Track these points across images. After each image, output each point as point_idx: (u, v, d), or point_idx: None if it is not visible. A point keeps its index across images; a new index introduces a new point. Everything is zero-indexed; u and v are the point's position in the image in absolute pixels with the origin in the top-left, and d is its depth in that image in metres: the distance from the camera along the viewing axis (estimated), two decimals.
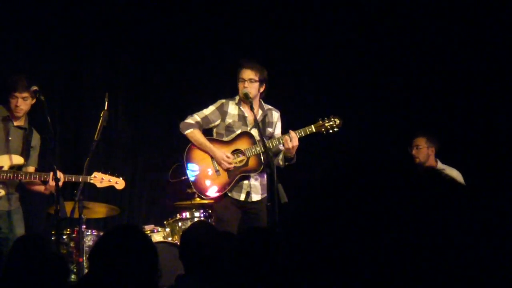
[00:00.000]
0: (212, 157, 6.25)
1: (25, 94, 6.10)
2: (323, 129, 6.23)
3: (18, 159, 6.25)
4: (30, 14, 7.89)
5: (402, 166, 1.48)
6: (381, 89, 8.37)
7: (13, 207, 6.25)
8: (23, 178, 6.20)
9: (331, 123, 6.24)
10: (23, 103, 6.14)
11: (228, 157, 6.18)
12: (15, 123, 6.27)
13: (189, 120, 6.30)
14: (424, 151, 7.18)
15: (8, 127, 6.24)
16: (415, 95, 8.31)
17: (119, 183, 6.48)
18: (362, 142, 8.14)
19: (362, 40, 8.43)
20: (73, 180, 6.16)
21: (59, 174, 5.88)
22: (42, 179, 6.12)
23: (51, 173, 5.93)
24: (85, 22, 8.26)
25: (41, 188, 6.29)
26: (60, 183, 5.87)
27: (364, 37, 8.43)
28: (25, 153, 6.30)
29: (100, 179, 6.34)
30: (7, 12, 7.72)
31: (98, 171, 6.35)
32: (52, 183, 5.95)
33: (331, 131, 6.24)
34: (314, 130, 6.21)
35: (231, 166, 6.17)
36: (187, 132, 6.27)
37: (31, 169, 6.35)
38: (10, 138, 6.24)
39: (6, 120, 6.24)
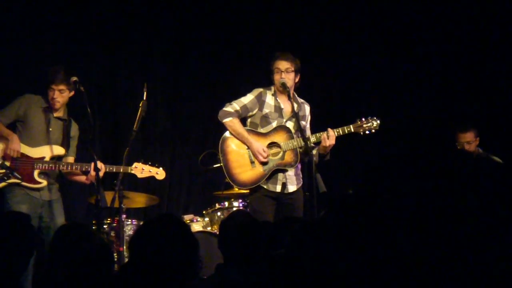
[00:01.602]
0: (248, 148, 6.25)
1: (62, 87, 6.16)
2: (361, 130, 6.23)
3: (59, 150, 6.32)
4: (67, 7, 7.96)
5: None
6: (417, 86, 8.32)
7: (54, 197, 6.32)
8: (65, 168, 6.25)
9: (369, 124, 6.23)
10: (59, 95, 6.19)
11: (264, 150, 6.17)
12: (55, 114, 6.34)
13: (228, 108, 6.28)
14: (473, 145, 7.21)
15: (48, 118, 6.31)
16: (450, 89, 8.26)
17: (160, 174, 6.49)
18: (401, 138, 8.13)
19: (398, 35, 8.37)
20: (114, 170, 6.21)
21: (100, 165, 5.92)
22: (84, 169, 6.18)
23: (92, 164, 5.99)
24: (122, 13, 8.31)
25: (81, 178, 6.35)
26: (101, 174, 5.93)
27: (400, 32, 8.37)
28: (65, 144, 6.36)
29: (140, 170, 6.37)
30: (45, 4, 7.80)
31: (139, 161, 6.38)
32: (93, 173, 6.01)
33: (368, 132, 6.24)
34: (352, 130, 6.21)
35: (266, 160, 6.17)
36: (226, 120, 6.26)
37: (70, 159, 6.41)
38: (50, 129, 6.30)
39: (46, 111, 6.30)
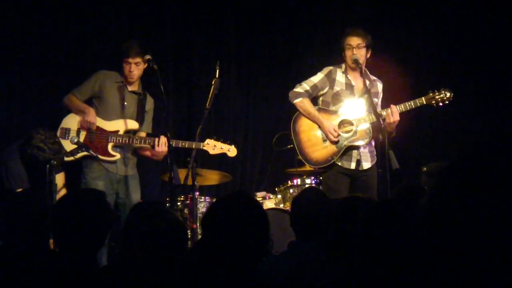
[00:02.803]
0: (320, 126, 6.23)
1: (138, 60, 6.24)
2: (433, 102, 6.14)
3: (133, 124, 6.40)
4: None
5: None
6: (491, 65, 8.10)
7: (130, 173, 6.43)
8: (138, 143, 6.33)
9: (441, 95, 6.14)
10: (136, 68, 6.27)
11: (335, 130, 6.15)
12: (130, 89, 6.42)
13: (298, 89, 6.29)
14: None
15: (123, 92, 6.40)
16: None
17: (231, 151, 6.50)
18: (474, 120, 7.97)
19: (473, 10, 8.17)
20: (186, 146, 6.25)
21: (170, 141, 5.97)
22: (154, 144, 6.22)
23: (159, 138, 6.07)
24: None
25: (151, 153, 6.42)
26: (166, 148, 5.94)
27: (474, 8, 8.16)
28: (140, 118, 6.45)
29: (212, 146, 6.39)
30: None
31: (211, 138, 6.42)
32: (159, 148, 6.08)
33: (441, 104, 6.15)
34: (424, 103, 6.13)
35: (337, 139, 6.14)
36: (296, 101, 6.27)
37: (142, 134, 6.49)
38: (125, 103, 6.40)
39: (121, 86, 6.40)
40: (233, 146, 6.52)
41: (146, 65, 6.24)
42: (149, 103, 6.56)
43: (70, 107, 6.34)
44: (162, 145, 6.09)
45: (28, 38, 7.33)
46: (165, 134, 5.96)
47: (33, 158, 5.84)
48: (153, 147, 6.23)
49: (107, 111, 6.35)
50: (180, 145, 6.23)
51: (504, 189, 1.46)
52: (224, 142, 6.47)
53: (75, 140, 6.01)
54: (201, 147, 6.31)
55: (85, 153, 6.11)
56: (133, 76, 6.32)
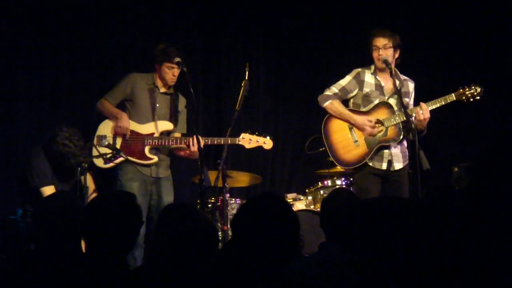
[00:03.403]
0: (351, 128, 6.23)
1: (175, 64, 6.23)
2: (463, 98, 6.08)
3: (167, 125, 6.41)
4: None
5: None
6: None
7: (163, 175, 6.43)
8: (174, 143, 6.32)
9: (471, 91, 6.07)
10: (177, 72, 6.29)
11: (370, 120, 6.13)
12: (161, 90, 6.44)
13: (327, 92, 6.30)
14: None
15: (154, 95, 6.41)
16: None
17: (267, 143, 6.44)
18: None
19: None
20: (222, 142, 6.23)
21: (201, 141, 5.95)
22: (189, 143, 6.19)
23: (193, 138, 6.05)
24: None
25: (187, 153, 6.41)
26: (202, 143, 5.96)
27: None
28: (173, 119, 6.46)
29: (248, 140, 6.35)
30: None
31: (246, 132, 6.38)
32: (193, 148, 6.09)
33: (472, 99, 6.09)
34: (454, 99, 6.09)
35: (375, 130, 6.12)
36: (326, 104, 6.27)
37: (177, 135, 6.48)
38: (157, 105, 6.40)
39: (152, 88, 6.42)
40: (268, 137, 6.45)
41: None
42: (182, 103, 6.55)
43: (104, 112, 6.37)
44: (196, 144, 6.09)
45: (59, 40, 7.42)
46: (195, 134, 5.96)
47: (58, 154, 5.90)
48: (188, 146, 6.21)
49: (140, 114, 6.36)
50: (216, 142, 6.24)
51: None
52: (259, 134, 6.42)
53: (106, 143, 6.06)
54: (237, 142, 6.30)
55: (122, 158, 6.12)
56: (175, 79, 6.35)
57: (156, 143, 6.31)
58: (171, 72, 6.30)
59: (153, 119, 6.39)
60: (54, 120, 6.86)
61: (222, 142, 6.23)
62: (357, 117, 6.21)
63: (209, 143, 6.15)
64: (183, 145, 6.30)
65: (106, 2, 7.65)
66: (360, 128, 6.19)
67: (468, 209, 2.96)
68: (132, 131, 6.28)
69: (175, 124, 6.47)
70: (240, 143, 6.32)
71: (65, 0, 7.44)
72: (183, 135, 6.52)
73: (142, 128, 6.33)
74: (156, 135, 6.35)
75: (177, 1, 8.14)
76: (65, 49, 7.44)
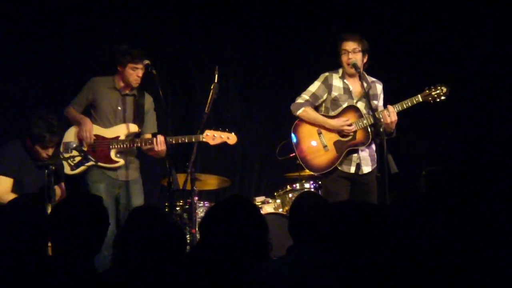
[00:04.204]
0: (319, 133, 6.26)
1: (142, 65, 6.22)
2: (430, 98, 6.15)
3: (132, 128, 6.38)
4: None
5: None
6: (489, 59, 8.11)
7: (132, 177, 6.41)
8: (140, 145, 6.32)
9: (438, 91, 6.15)
10: (141, 73, 6.27)
11: (344, 121, 6.16)
12: (123, 92, 6.41)
13: (299, 100, 6.34)
14: None
15: (117, 97, 6.40)
16: None
17: (231, 138, 6.42)
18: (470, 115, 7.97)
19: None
20: (186, 140, 6.23)
21: (167, 139, 5.97)
22: (153, 143, 6.17)
23: (157, 138, 6.05)
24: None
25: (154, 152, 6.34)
26: (163, 147, 5.96)
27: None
28: (138, 120, 6.43)
29: (212, 136, 6.32)
30: None
31: (209, 129, 6.35)
32: (157, 147, 6.06)
33: (438, 99, 6.16)
34: (421, 100, 6.15)
35: (353, 127, 6.12)
36: (300, 112, 6.30)
37: (148, 135, 6.44)
38: (119, 108, 6.38)
39: (114, 91, 6.39)
40: (232, 133, 6.44)
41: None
42: (148, 102, 6.52)
43: (69, 119, 6.34)
44: (160, 143, 6.06)
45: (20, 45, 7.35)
46: (164, 133, 5.98)
47: (41, 137, 5.71)
48: (153, 145, 6.20)
49: (103, 118, 6.34)
50: (180, 141, 6.22)
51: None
52: (223, 130, 6.39)
53: (73, 146, 5.99)
54: (201, 139, 6.27)
55: (92, 162, 6.04)
56: (139, 80, 6.32)
57: (122, 146, 6.28)
58: (136, 73, 6.27)
59: (119, 122, 6.37)
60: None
61: (186, 140, 6.23)
62: (331, 121, 6.23)
63: (174, 142, 6.13)
64: (149, 146, 6.28)
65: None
66: (338, 130, 6.21)
67: (435, 211, 3.00)
68: (97, 136, 6.26)
69: (141, 126, 6.44)
70: (205, 140, 6.30)
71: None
72: (153, 134, 6.49)
73: (107, 132, 6.30)
74: (122, 138, 6.31)
75: (149, 5, 8.13)
76: (30, 54, 7.38)
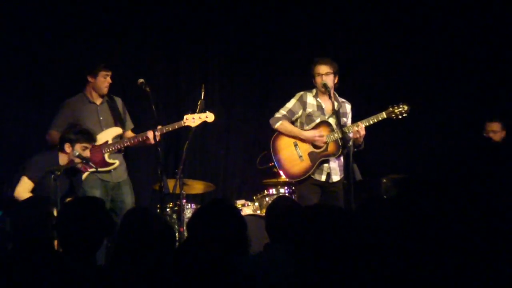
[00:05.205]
0: (295, 145, 6.36)
1: (111, 72, 6.30)
2: (393, 115, 6.26)
3: (116, 130, 6.44)
4: (132, 13, 8.08)
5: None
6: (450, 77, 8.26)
7: (122, 178, 6.47)
8: (129, 143, 6.34)
9: (400, 109, 6.26)
10: (110, 80, 6.34)
11: (316, 134, 6.29)
12: (98, 102, 6.44)
13: (277, 115, 6.44)
14: (499, 135, 7.26)
15: (94, 109, 6.41)
16: (483, 80, 8.15)
17: (209, 117, 6.41)
18: (431, 129, 8.12)
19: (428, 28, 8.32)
20: (170, 129, 6.25)
21: (157, 135, 5.95)
22: (142, 139, 6.25)
23: (148, 133, 6.11)
24: (181, 14, 8.37)
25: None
26: (158, 138, 5.95)
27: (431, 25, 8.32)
28: (118, 121, 6.46)
29: (191, 119, 6.32)
30: (107, 5, 7.89)
31: (187, 113, 6.36)
32: (149, 142, 6.12)
33: (400, 116, 6.27)
34: (385, 116, 6.25)
35: (324, 138, 6.27)
36: (277, 125, 6.40)
37: (129, 133, 6.51)
38: (101, 118, 6.40)
39: (89, 105, 6.41)
40: (208, 112, 6.41)
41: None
42: (119, 103, 6.55)
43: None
44: (150, 139, 6.11)
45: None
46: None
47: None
48: (145, 141, 6.25)
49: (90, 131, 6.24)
50: (164, 131, 6.22)
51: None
52: (200, 111, 6.36)
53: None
54: (183, 125, 6.30)
55: (93, 169, 6.08)
56: (109, 86, 6.35)
57: (113, 148, 6.31)
58: (107, 81, 6.31)
59: (103, 129, 6.38)
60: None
61: (170, 129, 6.25)
62: (305, 133, 6.34)
63: (160, 132, 6.09)
64: (137, 143, 6.33)
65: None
66: (311, 141, 6.36)
67: (396, 215, 3.08)
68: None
69: (123, 126, 6.49)
70: (186, 124, 6.31)
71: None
72: (133, 129, 6.57)
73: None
74: (110, 142, 6.35)
75: (142, 26, 8.16)
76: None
